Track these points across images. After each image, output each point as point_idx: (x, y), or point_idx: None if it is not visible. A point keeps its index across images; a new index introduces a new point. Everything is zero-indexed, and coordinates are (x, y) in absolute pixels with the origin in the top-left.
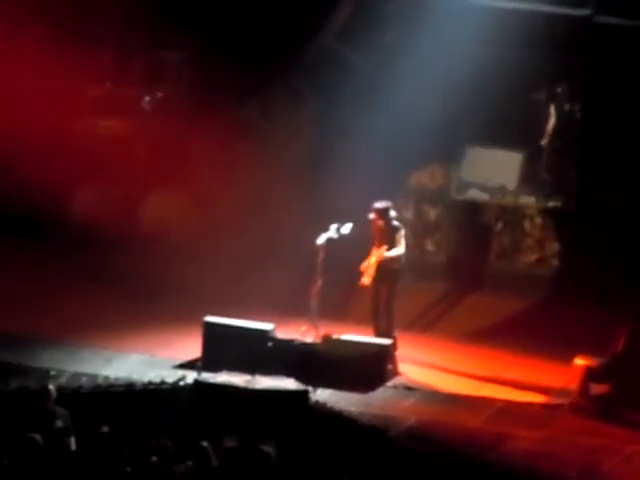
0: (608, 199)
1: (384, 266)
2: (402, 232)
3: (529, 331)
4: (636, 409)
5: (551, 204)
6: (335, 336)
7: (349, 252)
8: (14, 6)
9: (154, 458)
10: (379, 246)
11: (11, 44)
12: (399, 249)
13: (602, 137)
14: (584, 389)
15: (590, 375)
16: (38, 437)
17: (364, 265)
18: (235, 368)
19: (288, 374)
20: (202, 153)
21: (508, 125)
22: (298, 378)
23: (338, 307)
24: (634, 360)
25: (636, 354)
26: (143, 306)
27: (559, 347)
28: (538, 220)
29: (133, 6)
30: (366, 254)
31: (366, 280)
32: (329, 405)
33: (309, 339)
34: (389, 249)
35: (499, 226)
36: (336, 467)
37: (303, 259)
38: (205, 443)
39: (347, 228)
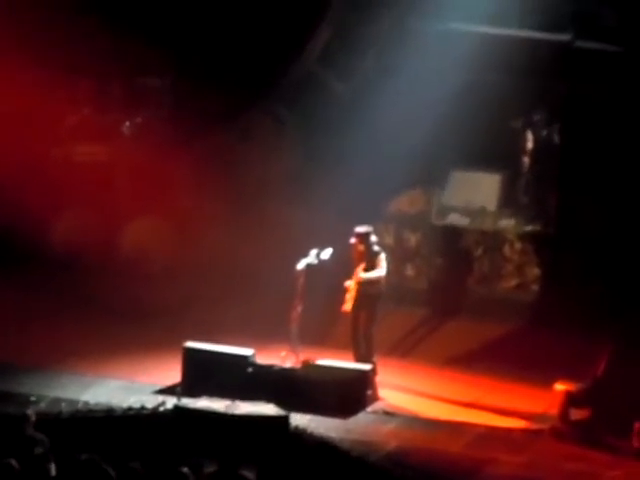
0: (587, 224)
1: (364, 290)
2: (383, 256)
3: (509, 356)
4: (616, 434)
5: (531, 229)
6: (315, 361)
7: (329, 277)
8: None
9: None
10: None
11: None
12: (380, 271)
13: (581, 162)
14: (564, 414)
15: (570, 400)
16: (14, 462)
17: (347, 285)
18: (215, 393)
19: (268, 399)
20: (182, 178)
21: (488, 149)
22: (278, 403)
23: (318, 332)
24: (614, 385)
25: (615, 379)
26: (123, 331)
27: (539, 372)
28: (518, 245)
29: (114, 32)
30: (347, 279)
31: (348, 306)
32: (309, 430)
33: (289, 364)
34: (369, 272)
35: (479, 251)
36: None
37: (283, 284)
38: (185, 469)
39: (327, 253)
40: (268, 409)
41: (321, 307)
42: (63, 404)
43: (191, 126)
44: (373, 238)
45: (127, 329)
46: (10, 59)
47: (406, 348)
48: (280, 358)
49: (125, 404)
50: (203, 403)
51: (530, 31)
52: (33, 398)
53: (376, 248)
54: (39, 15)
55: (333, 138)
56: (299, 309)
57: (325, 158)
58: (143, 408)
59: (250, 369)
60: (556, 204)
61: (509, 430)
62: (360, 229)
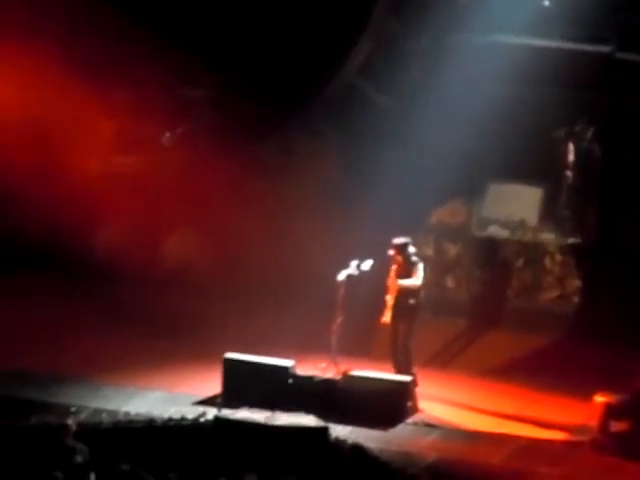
0: (628, 236)
1: (402, 301)
2: (421, 266)
3: (549, 368)
4: None
5: (571, 241)
6: (355, 372)
7: (370, 288)
8: (39, 40)
9: None
10: None
11: (33, 78)
12: (416, 280)
13: (622, 174)
14: (604, 426)
15: (610, 412)
16: (60, 474)
17: (387, 298)
18: (255, 404)
19: (308, 410)
20: (221, 190)
21: (529, 162)
22: (318, 414)
23: (358, 343)
24: None
25: None
26: (163, 343)
27: (579, 384)
28: (558, 257)
29: (157, 42)
30: (386, 290)
31: (387, 318)
32: (349, 442)
33: (329, 375)
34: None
35: (519, 263)
36: None
37: (324, 295)
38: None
39: (367, 265)
40: (308, 420)
41: (361, 318)
42: (104, 415)
43: (231, 138)
44: (411, 249)
45: (167, 340)
46: (53, 67)
47: (446, 359)
48: (320, 369)
49: (166, 415)
50: (243, 414)
51: (571, 43)
52: (73, 409)
53: (414, 259)
54: (82, 23)
55: (373, 150)
56: (339, 320)
57: (365, 170)
58: (183, 419)
59: (290, 380)
60: (596, 216)
61: (549, 442)
62: (398, 240)
